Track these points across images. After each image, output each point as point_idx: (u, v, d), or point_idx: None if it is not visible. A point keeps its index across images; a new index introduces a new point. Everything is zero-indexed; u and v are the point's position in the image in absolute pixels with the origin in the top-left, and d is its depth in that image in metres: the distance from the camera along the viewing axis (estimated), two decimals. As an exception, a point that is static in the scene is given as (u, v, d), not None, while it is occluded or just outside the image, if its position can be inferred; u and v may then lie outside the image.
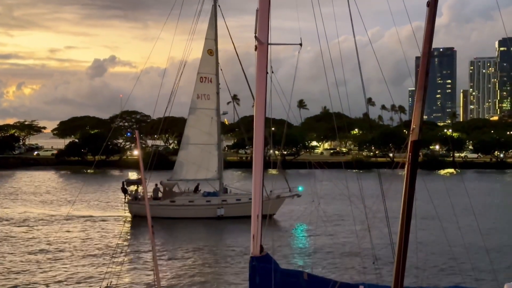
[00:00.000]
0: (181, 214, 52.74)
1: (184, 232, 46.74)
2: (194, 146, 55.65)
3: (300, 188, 54.59)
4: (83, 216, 53.04)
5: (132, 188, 55.00)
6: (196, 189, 56.53)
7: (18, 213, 55.60)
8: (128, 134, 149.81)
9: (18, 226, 47.88)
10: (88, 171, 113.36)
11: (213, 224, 50.38)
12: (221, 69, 56.08)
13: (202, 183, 57.05)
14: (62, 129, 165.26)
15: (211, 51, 55.63)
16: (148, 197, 54.47)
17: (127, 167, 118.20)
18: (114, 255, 31.77)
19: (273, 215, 53.08)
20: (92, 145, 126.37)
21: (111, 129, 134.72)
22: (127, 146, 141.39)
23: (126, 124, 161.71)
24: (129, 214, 53.35)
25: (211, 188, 56.04)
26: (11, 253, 37.03)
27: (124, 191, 54.53)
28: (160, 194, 55.05)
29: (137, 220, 50.43)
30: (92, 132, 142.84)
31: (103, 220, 51.30)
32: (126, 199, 54.22)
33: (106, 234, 44.79)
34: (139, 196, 53.56)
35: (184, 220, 51.40)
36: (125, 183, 55.17)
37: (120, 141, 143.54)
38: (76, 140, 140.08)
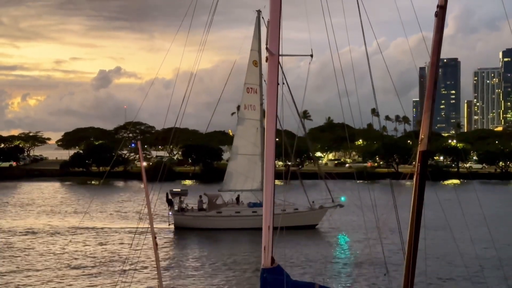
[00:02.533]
0: (228, 225, 52.68)
1: (219, 243, 46.61)
2: (242, 157, 56.21)
3: (342, 199, 53.91)
4: (99, 228, 52.70)
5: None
6: (238, 200, 56.46)
7: (29, 224, 55.39)
8: (133, 145, 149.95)
9: (32, 238, 47.61)
10: (93, 182, 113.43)
11: (260, 234, 49.64)
12: (265, 80, 56.51)
13: (243, 194, 57.04)
14: (67, 140, 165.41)
15: (256, 62, 56.38)
16: (190, 208, 54.29)
17: (132, 178, 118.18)
18: (124, 267, 31.71)
19: (316, 225, 52.91)
20: (97, 156, 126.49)
21: (121, 142, 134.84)
22: (132, 157, 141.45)
23: (130, 135, 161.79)
24: (172, 226, 52.89)
25: (254, 199, 55.69)
26: (23, 265, 36.95)
27: (170, 202, 53.68)
28: (204, 206, 55.11)
29: (180, 232, 50.68)
30: (97, 143, 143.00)
31: (116, 232, 50.70)
32: (171, 211, 53.82)
33: (122, 246, 43.98)
34: (184, 207, 53.90)
35: (230, 230, 51.17)
36: (169, 194, 53.99)
37: (124, 152, 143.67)
38: (81, 151, 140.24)
